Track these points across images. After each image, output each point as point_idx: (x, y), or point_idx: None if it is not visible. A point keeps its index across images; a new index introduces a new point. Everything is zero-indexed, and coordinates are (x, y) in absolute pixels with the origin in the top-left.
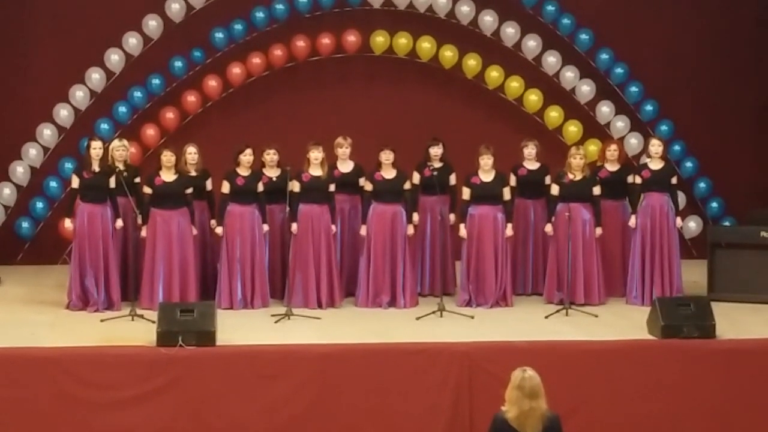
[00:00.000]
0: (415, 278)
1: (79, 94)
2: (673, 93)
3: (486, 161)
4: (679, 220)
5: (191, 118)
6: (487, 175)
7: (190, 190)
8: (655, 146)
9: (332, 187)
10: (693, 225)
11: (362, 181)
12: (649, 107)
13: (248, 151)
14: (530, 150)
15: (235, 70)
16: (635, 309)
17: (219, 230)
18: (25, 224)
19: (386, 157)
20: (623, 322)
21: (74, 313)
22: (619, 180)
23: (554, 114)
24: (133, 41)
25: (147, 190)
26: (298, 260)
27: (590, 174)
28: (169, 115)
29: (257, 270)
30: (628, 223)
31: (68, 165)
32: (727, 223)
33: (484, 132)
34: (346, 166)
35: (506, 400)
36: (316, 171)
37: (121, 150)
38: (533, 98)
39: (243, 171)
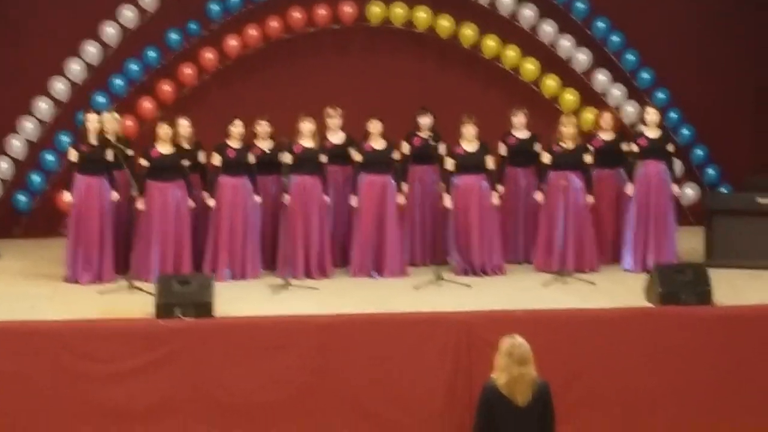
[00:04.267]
0: (404, 247)
1: (75, 67)
2: (669, 61)
3: (468, 130)
4: (676, 187)
5: (188, 91)
6: (470, 145)
7: (185, 163)
8: (651, 114)
9: (323, 159)
10: (690, 192)
11: (353, 152)
12: (645, 75)
13: (237, 122)
14: (519, 118)
15: (232, 42)
16: (631, 276)
17: (211, 202)
18: (22, 198)
19: (374, 127)
20: (620, 290)
21: (72, 286)
22: (613, 148)
23: (551, 83)
24: (128, 13)
25: (143, 162)
26: (290, 231)
27: (581, 142)
28: (166, 87)
29: (249, 241)
30: (624, 191)
31: (65, 138)
32: (723, 190)
33: (480, 102)
34: (336, 137)
35: (496, 368)
36: (307, 142)
37: (113, 122)
38: (530, 67)
39: (233, 143)
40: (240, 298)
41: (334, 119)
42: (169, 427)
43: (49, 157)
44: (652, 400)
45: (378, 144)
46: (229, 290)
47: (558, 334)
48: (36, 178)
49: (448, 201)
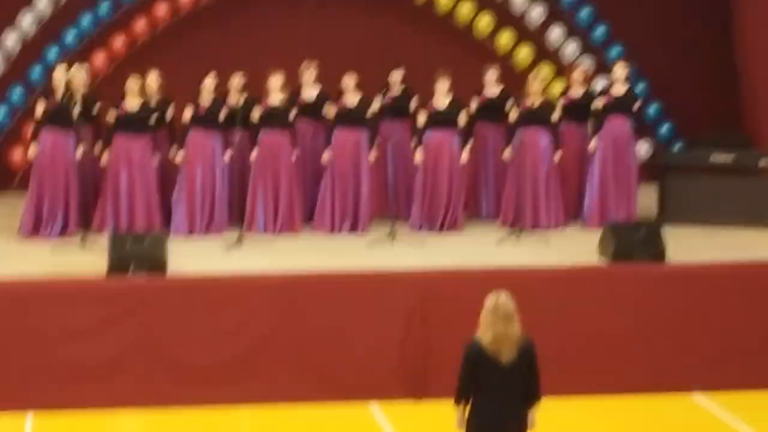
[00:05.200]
0: (375, 203)
1: (26, 20)
2: (623, 16)
3: (443, 84)
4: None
5: (142, 44)
6: (443, 100)
7: (154, 117)
8: (620, 69)
9: (293, 114)
10: (644, 148)
11: (327, 108)
12: (599, 30)
13: (212, 74)
14: (491, 75)
15: None
16: (589, 233)
17: (179, 157)
18: None
19: (350, 80)
20: (575, 247)
21: (26, 241)
22: (583, 104)
23: (505, 38)
24: None
25: (110, 116)
26: (258, 187)
27: (548, 99)
28: (119, 40)
29: (217, 196)
30: (588, 148)
31: (16, 91)
32: (677, 147)
33: (434, 58)
34: (311, 92)
35: (480, 325)
36: (276, 96)
37: (80, 76)
38: (484, 23)
39: (206, 96)
40: (195, 255)
41: (309, 72)
42: (124, 384)
43: (2, 110)
44: (603, 357)
45: (352, 99)
46: (185, 247)
47: (512, 292)
48: None
49: (418, 156)
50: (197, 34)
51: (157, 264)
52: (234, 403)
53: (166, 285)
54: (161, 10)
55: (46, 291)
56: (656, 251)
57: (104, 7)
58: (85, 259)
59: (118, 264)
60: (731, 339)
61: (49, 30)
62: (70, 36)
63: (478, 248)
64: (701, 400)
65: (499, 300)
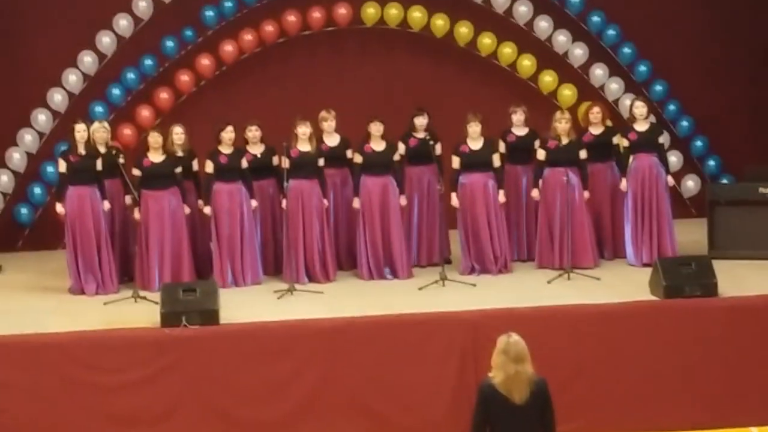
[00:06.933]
0: (409, 249)
1: (73, 78)
2: (666, 53)
3: (474, 129)
4: (670, 178)
5: (185, 98)
6: (475, 143)
7: (179, 170)
8: (639, 108)
9: (321, 162)
10: (691, 183)
11: (350, 153)
12: (642, 68)
13: (229, 128)
14: (519, 116)
15: (227, 48)
16: (634, 270)
17: (207, 210)
18: (24, 210)
19: (376, 129)
20: (624, 284)
21: (77, 297)
22: (604, 142)
23: (548, 78)
24: (123, 23)
25: (136, 172)
26: (291, 236)
27: (576, 138)
28: (163, 95)
29: (247, 246)
30: (618, 186)
31: (64, 149)
32: (725, 181)
33: (477, 100)
34: (332, 140)
35: (492, 366)
36: (304, 146)
37: (102, 132)
38: (527, 63)
39: (225, 149)
40: (245, 304)
41: (328, 122)
42: None
43: (50, 169)
44: (656, 394)
45: (378, 145)
46: (234, 296)
47: (564, 330)
48: (37, 189)
49: (455, 200)
50: (216, 93)
51: (210, 314)
52: None
53: (219, 334)
54: (202, 65)
55: (99, 344)
56: (707, 285)
57: (148, 63)
58: (137, 311)
59: (170, 315)
60: None
61: (94, 87)
62: (115, 92)
63: (526, 288)
64: None
65: (510, 341)
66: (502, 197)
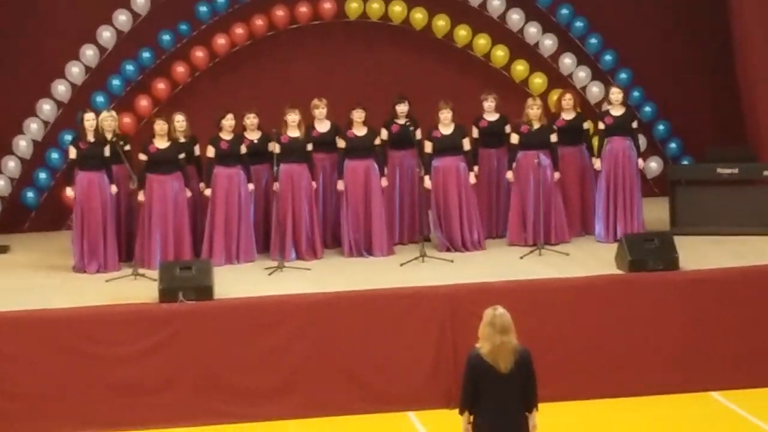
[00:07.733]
0: (392, 227)
1: (75, 70)
2: (631, 43)
3: (445, 115)
4: (641, 161)
5: (181, 88)
6: (447, 128)
7: (182, 156)
8: (615, 94)
9: (310, 147)
10: (654, 165)
11: (338, 139)
12: (608, 57)
13: (229, 116)
14: (490, 103)
15: (220, 41)
16: (602, 246)
17: (208, 192)
18: (30, 194)
19: (358, 115)
20: (592, 259)
21: (80, 275)
22: (575, 127)
23: (520, 67)
24: (123, 18)
25: (142, 157)
26: (281, 217)
27: (547, 123)
28: (161, 85)
29: (243, 227)
30: (591, 167)
31: (68, 137)
32: (685, 162)
33: (454, 88)
34: (323, 126)
35: (479, 337)
36: (293, 132)
37: (110, 120)
38: (500, 53)
39: (226, 135)
40: (237, 281)
41: (320, 109)
42: (175, 402)
43: (54, 155)
44: (625, 360)
45: (360, 131)
46: (227, 274)
47: (536, 303)
48: (42, 175)
49: (428, 182)
50: (210, 83)
51: (205, 290)
52: (281, 418)
53: (214, 309)
54: (197, 57)
55: (102, 319)
56: (669, 260)
57: (145, 56)
58: (136, 288)
59: (168, 291)
60: (743, 340)
61: (96, 78)
62: (115, 83)
63: (501, 264)
64: (719, 398)
65: (496, 314)
66: (472, 178)
